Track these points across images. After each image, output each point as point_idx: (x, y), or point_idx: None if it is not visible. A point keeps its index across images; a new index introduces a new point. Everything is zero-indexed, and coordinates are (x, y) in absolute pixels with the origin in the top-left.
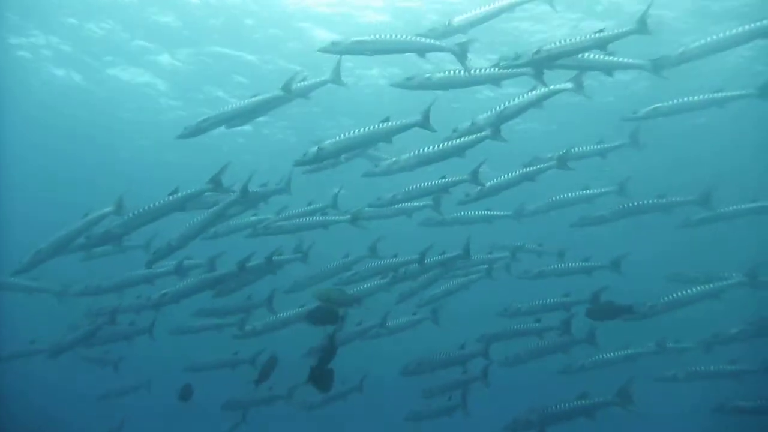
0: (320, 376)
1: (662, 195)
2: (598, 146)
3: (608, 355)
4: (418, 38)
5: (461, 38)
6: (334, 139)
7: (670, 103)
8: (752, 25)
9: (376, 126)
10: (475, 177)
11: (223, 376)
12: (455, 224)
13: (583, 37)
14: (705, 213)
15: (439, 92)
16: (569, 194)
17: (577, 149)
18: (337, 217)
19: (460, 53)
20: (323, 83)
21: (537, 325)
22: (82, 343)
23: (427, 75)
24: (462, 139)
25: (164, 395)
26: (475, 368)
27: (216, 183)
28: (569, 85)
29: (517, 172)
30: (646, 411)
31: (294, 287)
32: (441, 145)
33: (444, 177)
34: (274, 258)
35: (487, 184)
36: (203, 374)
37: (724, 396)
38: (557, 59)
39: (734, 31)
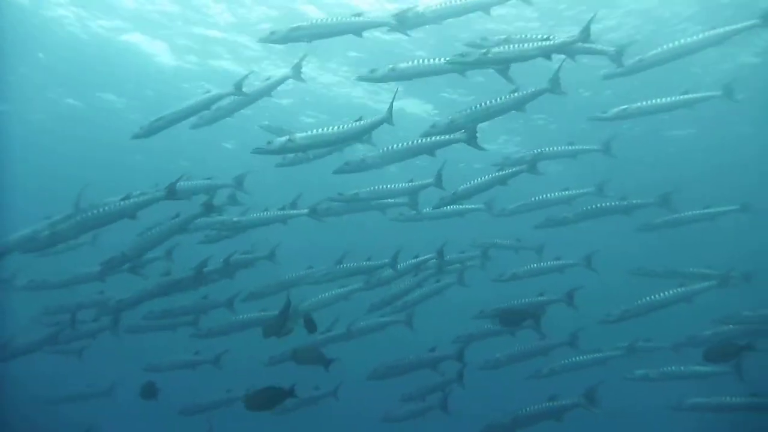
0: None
1: (624, 197)
2: (570, 148)
3: (579, 358)
4: (355, 18)
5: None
6: (306, 133)
7: (639, 104)
8: (708, 33)
9: (350, 125)
10: (439, 181)
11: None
12: (427, 220)
13: (532, 44)
14: (665, 216)
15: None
16: (549, 195)
17: (548, 149)
18: (295, 211)
19: (398, 26)
20: (284, 79)
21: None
22: (45, 344)
23: (391, 66)
24: (434, 138)
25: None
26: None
27: (171, 191)
28: (548, 86)
29: (488, 176)
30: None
31: (249, 297)
32: (410, 143)
33: (411, 180)
34: (232, 259)
35: (460, 188)
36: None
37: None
38: (502, 63)
39: (689, 39)
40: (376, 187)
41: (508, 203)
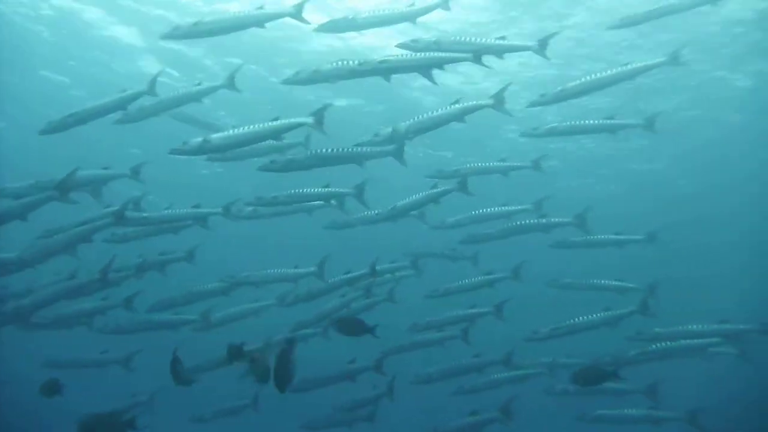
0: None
1: (543, 215)
2: (501, 164)
3: (500, 375)
4: (256, 12)
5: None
6: (222, 133)
7: (566, 124)
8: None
9: (265, 124)
10: (360, 192)
11: None
12: (360, 225)
13: (419, 56)
14: (578, 237)
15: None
16: (489, 209)
17: (479, 164)
18: (209, 210)
19: (296, 13)
20: (216, 88)
21: (440, 335)
22: None
23: (314, 68)
24: (363, 148)
25: None
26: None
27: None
28: (491, 101)
29: (422, 194)
30: None
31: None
32: (339, 150)
33: (327, 186)
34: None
35: (398, 204)
36: None
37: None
38: (391, 72)
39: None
40: (296, 191)
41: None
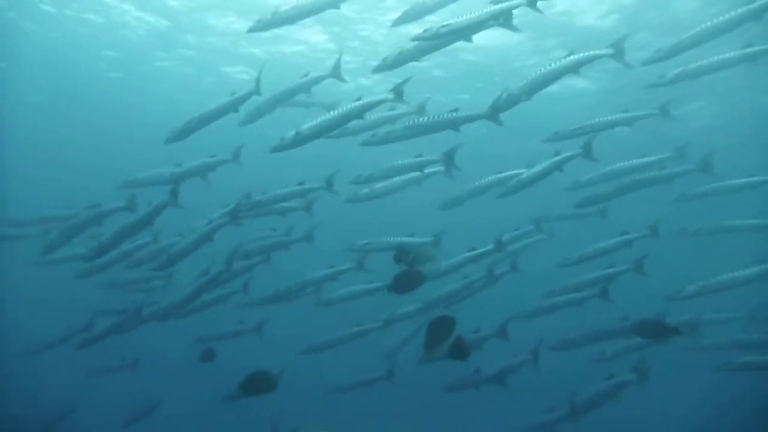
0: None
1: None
2: (625, 115)
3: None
4: None
5: None
6: (310, 123)
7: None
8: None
9: (350, 105)
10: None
11: None
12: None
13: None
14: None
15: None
16: (621, 164)
17: (601, 119)
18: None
19: None
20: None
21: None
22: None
23: (398, 50)
24: (459, 114)
25: None
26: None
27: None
28: (610, 50)
29: (546, 163)
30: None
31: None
32: (435, 117)
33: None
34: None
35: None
36: None
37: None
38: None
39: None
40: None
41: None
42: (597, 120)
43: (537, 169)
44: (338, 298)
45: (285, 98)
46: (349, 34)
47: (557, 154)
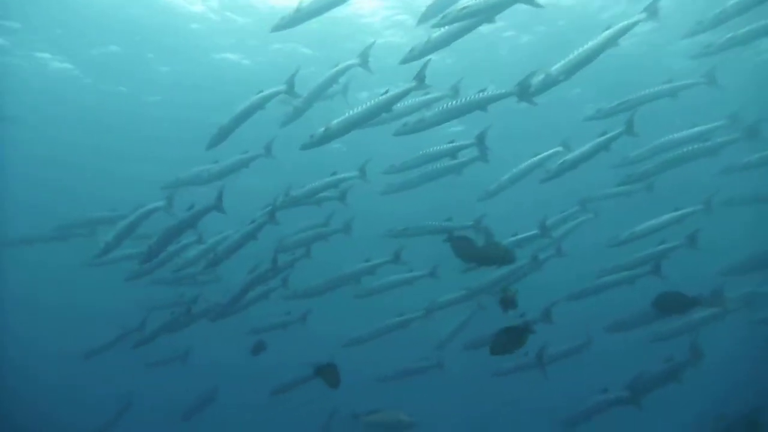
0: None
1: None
2: (668, 85)
3: (696, 316)
4: None
5: None
6: (339, 119)
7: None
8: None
9: (377, 99)
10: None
11: None
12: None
13: None
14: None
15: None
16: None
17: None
18: (346, 174)
19: None
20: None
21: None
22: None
23: (426, 40)
24: (488, 93)
25: None
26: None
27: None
28: (644, 15)
29: (589, 144)
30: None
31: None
32: (465, 99)
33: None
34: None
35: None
36: None
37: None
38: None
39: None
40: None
41: None
42: (640, 93)
43: (584, 149)
44: (378, 287)
45: (320, 92)
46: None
47: (603, 133)
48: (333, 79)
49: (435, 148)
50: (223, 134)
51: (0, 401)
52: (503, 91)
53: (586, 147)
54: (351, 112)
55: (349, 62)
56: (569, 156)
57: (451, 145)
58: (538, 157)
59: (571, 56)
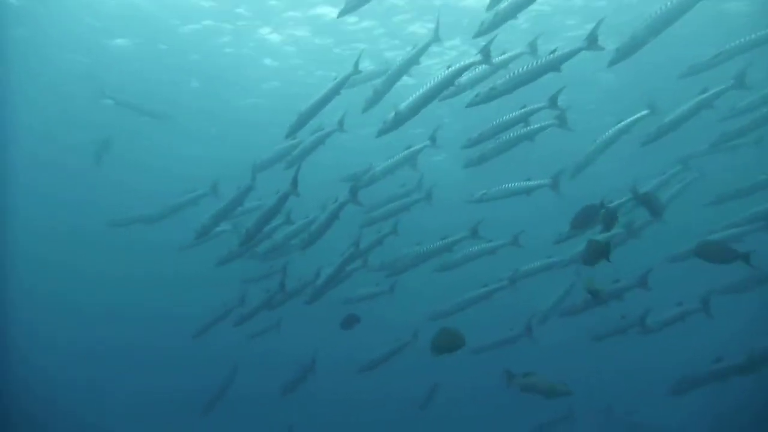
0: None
1: None
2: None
3: None
4: None
5: None
6: (407, 101)
7: None
8: None
9: (440, 75)
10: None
11: None
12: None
13: None
14: None
15: None
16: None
17: None
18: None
19: None
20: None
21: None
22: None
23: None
24: (558, 53)
25: None
26: None
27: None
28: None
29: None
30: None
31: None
32: (535, 63)
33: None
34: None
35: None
36: None
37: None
38: None
39: None
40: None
41: None
42: (734, 44)
43: (684, 107)
44: (459, 260)
45: (399, 75)
46: None
47: (704, 90)
48: (413, 60)
49: (508, 115)
50: (302, 121)
51: (26, 401)
52: (575, 47)
53: (688, 104)
54: (417, 93)
55: (426, 41)
56: (672, 115)
57: (523, 110)
58: (625, 122)
59: (654, 15)
